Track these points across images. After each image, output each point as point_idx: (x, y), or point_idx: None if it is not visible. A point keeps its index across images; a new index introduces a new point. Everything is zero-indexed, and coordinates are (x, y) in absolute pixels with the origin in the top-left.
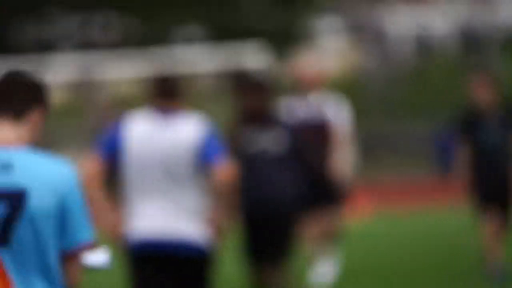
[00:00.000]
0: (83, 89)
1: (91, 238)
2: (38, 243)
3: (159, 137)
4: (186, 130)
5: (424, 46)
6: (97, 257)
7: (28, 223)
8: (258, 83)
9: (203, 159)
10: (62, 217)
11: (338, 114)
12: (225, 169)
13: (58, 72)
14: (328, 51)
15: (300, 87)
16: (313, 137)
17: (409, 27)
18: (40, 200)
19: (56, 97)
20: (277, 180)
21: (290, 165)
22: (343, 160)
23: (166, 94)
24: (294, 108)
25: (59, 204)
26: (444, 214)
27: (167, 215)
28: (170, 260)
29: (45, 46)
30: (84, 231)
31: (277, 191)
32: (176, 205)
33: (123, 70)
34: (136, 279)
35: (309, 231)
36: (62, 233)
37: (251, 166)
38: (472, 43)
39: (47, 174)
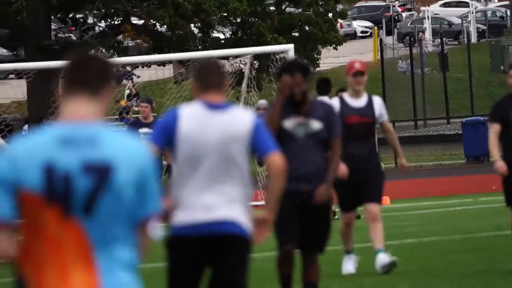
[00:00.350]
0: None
1: (160, 208)
2: (122, 214)
3: (212, 125)
4: (237, 119)
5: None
6: (154, 228)
7: (113, 194)
8: (302, 65)
9: (257, 148)
10: (140, 189)
11: (383, 109)
12: (279, 158)
13: None
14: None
15: (348, 76)
16: (362, 129)
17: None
18: (124, 173)
19: None
20: (320, 164)
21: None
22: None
23: (213, 86)
24: (345, 100)
25: (139, 177)
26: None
27: (216, 201)
28: (210, 240)
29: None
30: (155, 202)
31: (319, 175)
32: (226, 192)
33: (152, 73)
34: (175, 259)
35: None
36: (138, 204)
37: (296, 150)
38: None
39: (129, 149)
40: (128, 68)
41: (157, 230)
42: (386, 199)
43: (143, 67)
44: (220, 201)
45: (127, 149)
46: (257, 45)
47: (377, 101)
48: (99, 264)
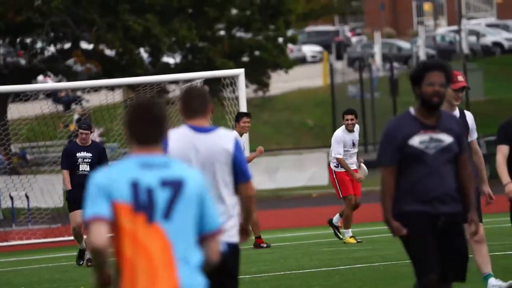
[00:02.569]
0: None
1: (220, 226)
2: (191, 221)
3: (197, 145)
4: (220, 139)
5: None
6: (219, 242)
7: (185, 203)
8: (441, 64)
9: (234, 173)
10: (202, 205)
11: (474, 126)
12: (251, 185)
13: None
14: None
15: (452, 91)
16: None
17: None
18: (192, 187)
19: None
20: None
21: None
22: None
23: (197, 112)
24: None
25: (200, 194)
26: None
27: None
28: None
29: (29, 75)
30: (217, 219)
31: (454, 192)
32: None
33: (102, 98)
34: None
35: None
36: (203, 218)
37: (427, 169)
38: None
39: (192, 171)
40: (78, 93)
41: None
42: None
43: (93, 91)
44: None
45: (190, 171)
46: (207, 70)
47: (470, 116)
48: (177, 263)
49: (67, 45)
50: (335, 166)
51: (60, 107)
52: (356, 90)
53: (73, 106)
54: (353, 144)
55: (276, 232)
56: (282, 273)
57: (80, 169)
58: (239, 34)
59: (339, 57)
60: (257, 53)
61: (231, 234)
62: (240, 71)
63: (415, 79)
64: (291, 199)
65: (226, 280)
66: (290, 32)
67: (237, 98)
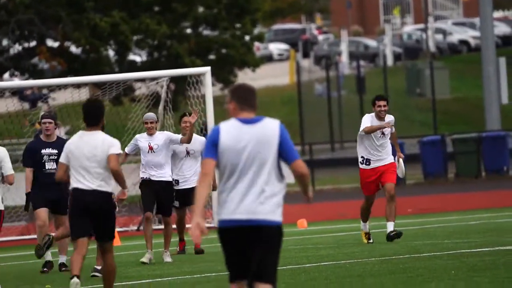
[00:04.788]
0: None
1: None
2: None
3: (245, 135)
4: (266, 128)
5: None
6: None
7: None
8: None
9: (283, 155)
10: None
11: None
12: (302, 164)
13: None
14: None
15: None
16: None
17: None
18: None
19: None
20: None
21: None
22: None
23: (250, 106)
24: None
25: None
26: None
27: (251, 197)
28: (250, 232)
29: None
30: None
31: None
32: (257, 189)
33: (68, 96)
34: (226, 251)
35: None
36: None
37: None
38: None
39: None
40: (44, 91)
41: None
42: (303, 222)
43: (59, 89)
44: (254, 196)
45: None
46: (174, 67)
47: None
48: None
49: (33, 43)
50: (359, 163)
51: (26, 105)
52: (322, 88)
53: (39, 104)
54: (383, 134)
55: None
56: None
57: (47, 167)
58: (206, 32)
59: (305, 55)
60: (223, 51)
61: (277, 214)
62: (207, 69)
63: None
64: None
65: (266, 255)
66: (256, 30)
67: (203, 96)
